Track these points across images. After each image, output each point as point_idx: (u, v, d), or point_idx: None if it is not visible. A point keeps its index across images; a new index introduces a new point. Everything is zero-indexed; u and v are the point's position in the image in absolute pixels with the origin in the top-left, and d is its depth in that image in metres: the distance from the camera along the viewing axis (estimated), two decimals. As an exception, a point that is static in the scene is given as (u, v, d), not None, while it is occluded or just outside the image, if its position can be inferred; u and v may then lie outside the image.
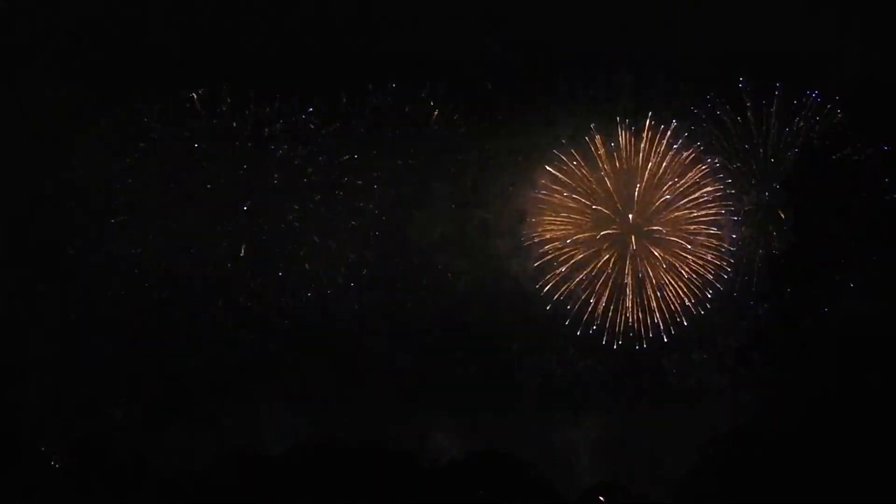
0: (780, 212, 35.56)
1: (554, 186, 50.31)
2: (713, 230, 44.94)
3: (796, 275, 29.51)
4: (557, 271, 50.35)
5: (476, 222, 49.02)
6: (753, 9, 43.04)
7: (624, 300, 49.17)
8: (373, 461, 51.15)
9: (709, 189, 45.55)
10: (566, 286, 50.19)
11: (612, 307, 49.61)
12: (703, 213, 45.77)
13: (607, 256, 49.81)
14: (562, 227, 50.54)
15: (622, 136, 47.87)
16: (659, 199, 47.96)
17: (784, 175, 35.83)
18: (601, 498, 60.95)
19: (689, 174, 46.67)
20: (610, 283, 49.68)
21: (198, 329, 46.65)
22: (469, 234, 49.34)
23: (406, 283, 51.04)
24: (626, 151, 48.14)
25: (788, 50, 40.05)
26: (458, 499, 54.64)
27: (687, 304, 46.44)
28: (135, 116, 47.20)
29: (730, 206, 43.38)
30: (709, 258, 44.94)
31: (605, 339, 49.47)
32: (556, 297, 50.25)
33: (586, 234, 50.34)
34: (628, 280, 49.07)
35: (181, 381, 39.10)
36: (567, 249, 50.36)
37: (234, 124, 48.23)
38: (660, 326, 48.16)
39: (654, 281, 48.38)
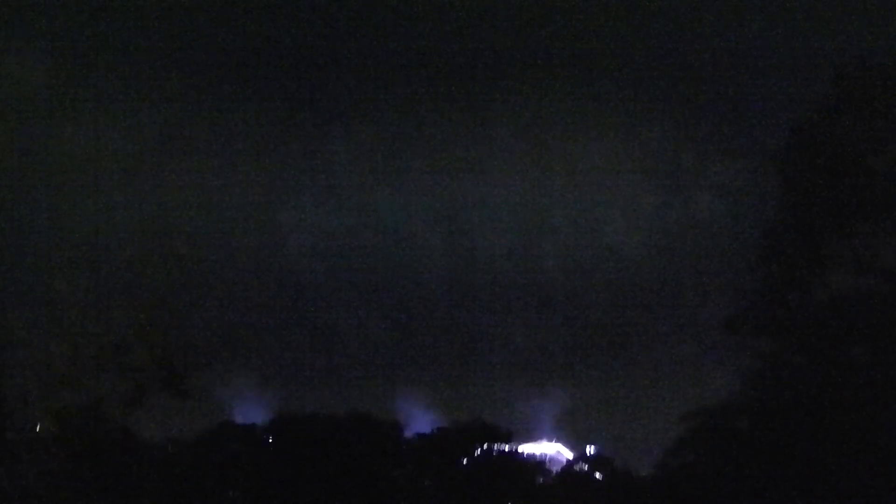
0: (767, 183, 35.34)
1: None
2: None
3: (783, 248, 29.39)
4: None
5: (451, 193, 48.71)
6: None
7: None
8: (352, 431, 51.28)
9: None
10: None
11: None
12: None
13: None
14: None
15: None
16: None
17: (772, 146, 35.61)
18: (585, 467, 61.47)
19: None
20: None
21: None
22: (442, 205, 49.03)
23: (379, 254, 50.84)
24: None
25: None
26: (441, 469, 54.97)
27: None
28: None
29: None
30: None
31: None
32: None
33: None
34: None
35: (165, 353, 38.77)
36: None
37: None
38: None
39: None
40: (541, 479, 59.10)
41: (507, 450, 58.85)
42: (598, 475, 59.64)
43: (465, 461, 57.06)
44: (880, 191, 26.38)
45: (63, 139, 46.13)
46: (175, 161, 47.09)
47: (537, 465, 61.11)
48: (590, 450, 61.56)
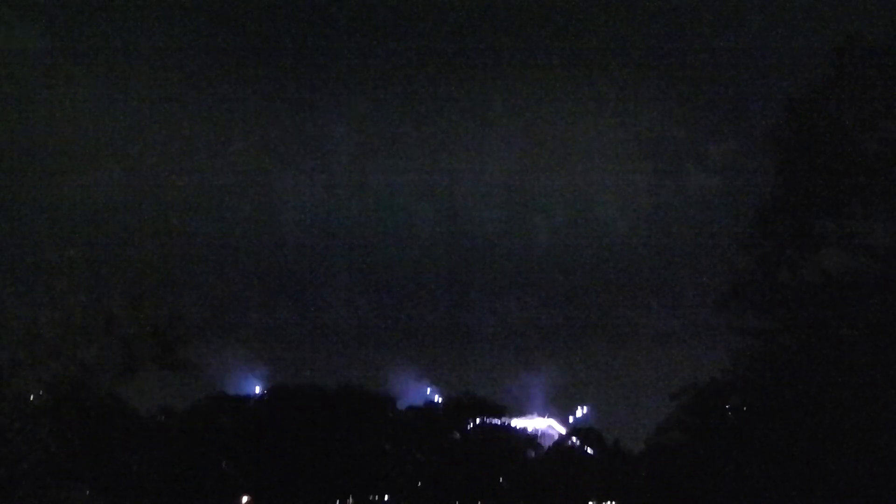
0: (760, 161, 35.28)
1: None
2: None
3: (776, 225, 29.37)
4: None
5: (445, 170, 48.67)
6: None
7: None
8: (344, 404, 51.44)
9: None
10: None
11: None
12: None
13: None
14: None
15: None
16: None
17: (765, 124, 35.51)
18: (574, 440, 61.71)
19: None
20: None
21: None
22: (436, 182, 48.99)
23: (372, 228, 50.87)
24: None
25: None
26: (433, 443, 55.16)
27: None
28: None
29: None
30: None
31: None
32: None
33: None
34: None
35: (157, 325, 38.86)
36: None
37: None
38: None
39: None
40: (532, 454, 59.39)
41: (499, 424, 59.11)
42: (588, 450, 59.93)
43: (457, 435, 57.25)
44: (873, 170, 26.33)
45: (52, 108, 46.11)
46: (168, 132, 47.09)
47: (529, 439, 61.40)
48: (581, 424, 61.93)
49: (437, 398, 60.60)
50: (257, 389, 52.43)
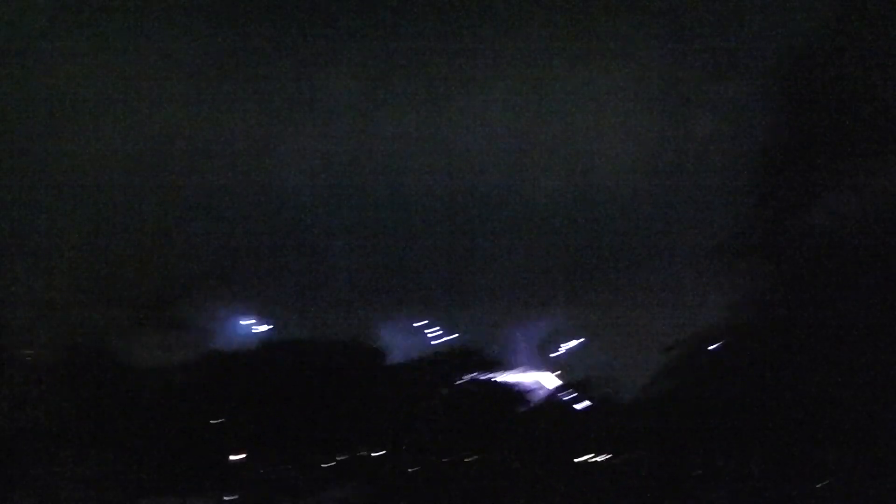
0: (765, 104, 34.89)
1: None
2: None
3: (780, 170, 29.26)
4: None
5: (444, 117, 47.92)
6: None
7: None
8: (338, 358, 51.33)
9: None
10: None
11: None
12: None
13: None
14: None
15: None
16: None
17: (771, 66, 35.09)
18: (569, 395, 61.80)
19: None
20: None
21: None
22: (435, 129, 48.30)
23: (369, 180, 50.29)
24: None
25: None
26: (425, 397, 55.18)
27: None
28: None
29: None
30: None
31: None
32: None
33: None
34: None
35: (155, 284, 38.64)
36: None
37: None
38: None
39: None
40: (524, 408, 59.46)
41: (491, 378, 59.08)
42: (582, 404, 60.03)
43: (448, 390, 57.29)
44: (882, 114, 26.19)
45: (46, 73, 45.30)
46: (166, 90, 46.27)
47: (521, 393, 61.43)
48: (574, 379, 61.87)
49: (429, 352, 60.47)
50: (252, 345, 52.28)
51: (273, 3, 47.65)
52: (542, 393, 63.78)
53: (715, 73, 40.66)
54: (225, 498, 39.40)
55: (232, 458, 47.87)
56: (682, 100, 43.36)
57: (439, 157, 48.48)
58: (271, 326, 50.28)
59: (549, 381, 66.36)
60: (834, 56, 27.49)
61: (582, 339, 53.97)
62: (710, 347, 37.14)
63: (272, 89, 47.44)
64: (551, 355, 58.50)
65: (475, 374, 57.80)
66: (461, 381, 57.32)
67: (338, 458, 50.09)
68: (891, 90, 27.02)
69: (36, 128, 44.44)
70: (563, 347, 55.95)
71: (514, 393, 60.82)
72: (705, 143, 42.05)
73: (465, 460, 50.84)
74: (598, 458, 52.86)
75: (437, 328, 53.88)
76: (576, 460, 52.08)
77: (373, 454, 51.35)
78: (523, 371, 65.61)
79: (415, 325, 55.08)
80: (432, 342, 55.18)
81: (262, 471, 46.61)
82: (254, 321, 49.98)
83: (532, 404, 60.37)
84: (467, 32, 47.91)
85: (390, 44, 48.16)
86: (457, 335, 53.97)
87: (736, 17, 39.25)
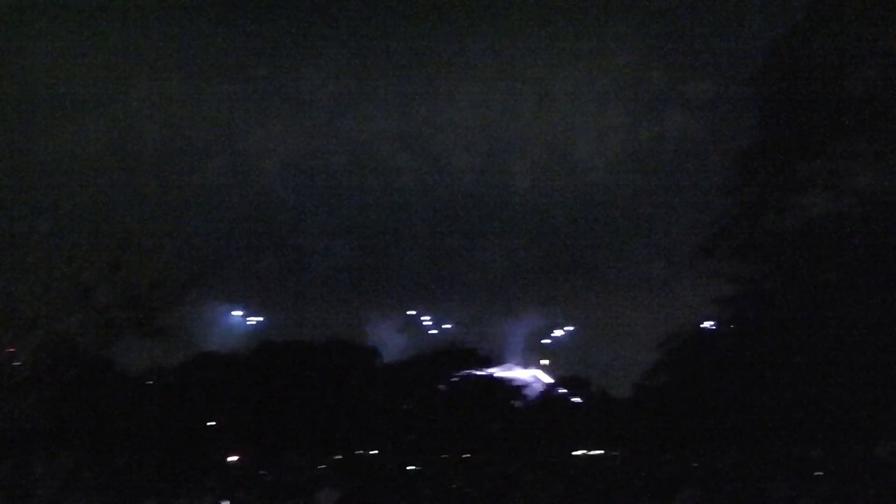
0: (742, 103, 34.80)
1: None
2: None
3: (758, 169, 29.10)
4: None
5: (421, 114, 47.68)
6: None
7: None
8: (329, 357, 51.32)
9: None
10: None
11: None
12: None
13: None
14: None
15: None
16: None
17: (747, 65, 34.99)
18: (561, 391, 61.85)
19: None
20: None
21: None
22: (412, 126, 48.12)
23: (350, 177, 50.12)
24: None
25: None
26: (419, 394, 55.17)
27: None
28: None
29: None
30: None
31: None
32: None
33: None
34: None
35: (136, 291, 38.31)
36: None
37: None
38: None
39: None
40: (518, 404, 59.39)
41: (484, 374, 59.09)
42: (574, 400, 60.01)
43: (442, 386, 57.26)
44: (856, 112, 26.06)
45: (24, 68, 45.06)
46: (141, 87, 46.08)
47: (515, 389, 61.36)
48: (566, 374, 61.83)
49: (422, 349, 60.49)
50: (240, 346, 52.35)
51: (258, 5, 47.66)
52: (536, 388, 63.74)
53: (703, 73, 40.66)
54: (220, 502, 39.37)
55: (228, 459, 47.94)
56: (663, 98, 43.37)
57: (432, 156, 48.55)
58: (262, 319, 50.21)
59: (542, 376, 66.27)
60: (811, 55, 27.37)
61: (572, 328, 53.88)
62: (701, 344, 37.05)
63: (261, 90, 47.49)
64: (542, 341, 58.49)
65: (469, 370, 57.84)
66: (455, 378, 57.37)
67: (333, 458, 50.14)
68: (867, 89, 26.95)
69: (9, 126, 44.33)
70: (553, 336, 56.06)
71: (509, 389, 60.82)
72: (686, 141, 42.04)
73: (462, 457, 50.89)
74: (593, 453, 52.97)
75: (429, 318, 53.79)
76: (573, 453, 52.20)
77: (369, 453, 51.38)
78: (517, 366, 65.55)
79: (408, 313, 55.04)
80: (426, 334, 55.19)
81: (259, 472, 46.62)
82: (245, 315, 50.04)
83: (527, 401, 60.35)
84: (445, 32, 47.94)
85: (380, 44, 48.22)
86: (450, 325, 53.99)
87: (723, 17, 39.23)
